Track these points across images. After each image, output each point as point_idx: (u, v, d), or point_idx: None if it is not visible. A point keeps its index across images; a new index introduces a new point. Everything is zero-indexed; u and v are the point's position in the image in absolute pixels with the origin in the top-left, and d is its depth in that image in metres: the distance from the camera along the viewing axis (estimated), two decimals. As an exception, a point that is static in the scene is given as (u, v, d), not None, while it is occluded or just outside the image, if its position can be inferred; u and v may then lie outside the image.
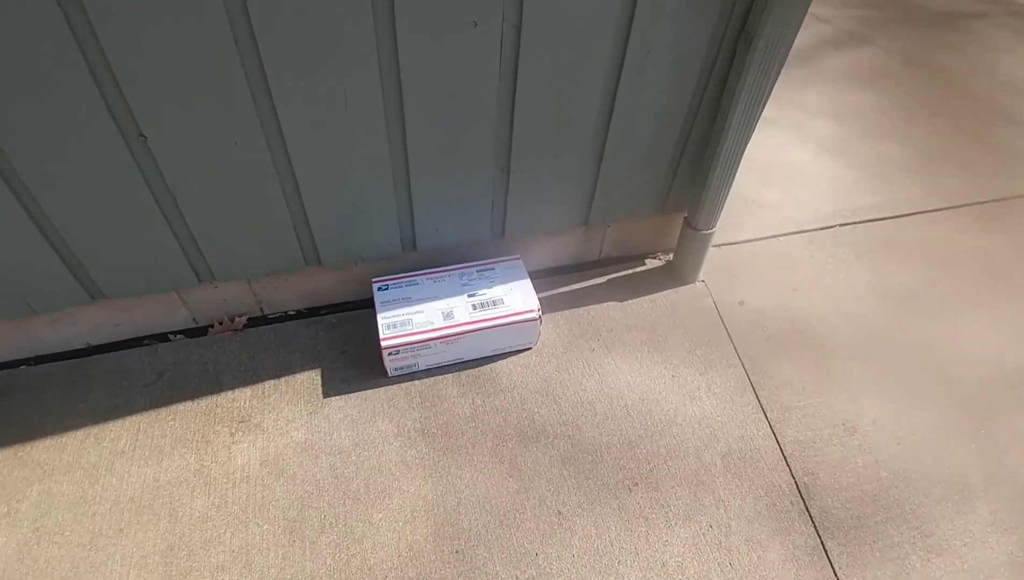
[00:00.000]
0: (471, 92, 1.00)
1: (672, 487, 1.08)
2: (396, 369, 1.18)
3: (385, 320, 1.15)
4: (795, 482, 1.10)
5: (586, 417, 1.17)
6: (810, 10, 1.03)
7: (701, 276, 1.44)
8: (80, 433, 1.09)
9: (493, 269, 1.26)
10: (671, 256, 1.49)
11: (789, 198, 1.70)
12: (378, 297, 1.19)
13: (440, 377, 1.21)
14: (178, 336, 1.23)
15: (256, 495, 1.03)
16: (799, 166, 1.82)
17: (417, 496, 1.04)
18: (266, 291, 1.24)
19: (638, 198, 1.30)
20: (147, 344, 1.22)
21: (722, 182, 1.23)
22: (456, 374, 1.22)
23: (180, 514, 1.00)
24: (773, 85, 1.09)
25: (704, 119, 1.17)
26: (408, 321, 1.15)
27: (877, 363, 1.29)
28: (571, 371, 1.24)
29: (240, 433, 1.10)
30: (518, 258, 1.29)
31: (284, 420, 1.12)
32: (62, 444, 1.07)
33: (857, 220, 1.64)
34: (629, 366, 1.26)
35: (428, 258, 1.29)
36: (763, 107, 1.12)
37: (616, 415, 1.17)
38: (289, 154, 0.99)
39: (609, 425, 1.16)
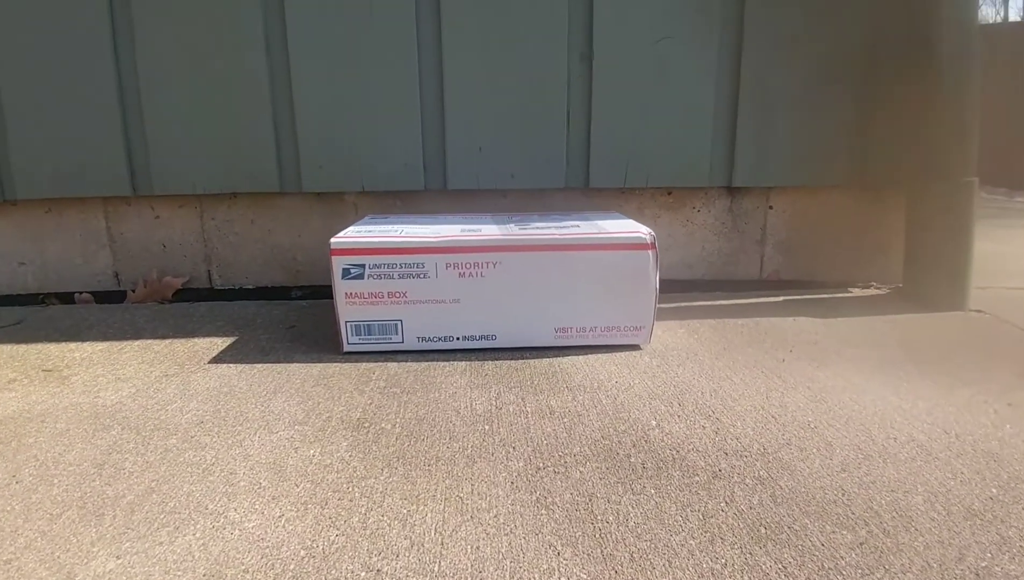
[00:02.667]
0: None
1: None
2: (357, 329, 0.58)
3: (357, 227, 0.62)
4: None
5: (805, 451, 0.41)
6: None
7: (971, 304, 0.71)
8: None
9: (567, 215, 0.70)
10: (900, 285, 0.79)
11: None
12: (362, 221, 0.68)
13: (440, 364, 0.57)
14: (84, 295, 0.80)
15: (-87, 468, 0.41)
16: None
17: (246, 542, 0.34)
18: (222, 239, 0.80)
19: (827, 136, 0.74)
20: (44, 303, 0.80)
21: None
22: (475, 363, 0.57)
23: None
24: None
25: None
26: (395, 230, 0.60)
27: None
28: (738, 380, 0.53)
29: (25, 381, 0.54)
30: (618, 215, 0.73)
31: (112, 378, 0.55)
32: None
33: None
34: (883, 386, 0.51)
35: (465, 209, 0.79)
36: None
37: (893, 454, 0.40)
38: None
39: (883, 469, 0.38)
